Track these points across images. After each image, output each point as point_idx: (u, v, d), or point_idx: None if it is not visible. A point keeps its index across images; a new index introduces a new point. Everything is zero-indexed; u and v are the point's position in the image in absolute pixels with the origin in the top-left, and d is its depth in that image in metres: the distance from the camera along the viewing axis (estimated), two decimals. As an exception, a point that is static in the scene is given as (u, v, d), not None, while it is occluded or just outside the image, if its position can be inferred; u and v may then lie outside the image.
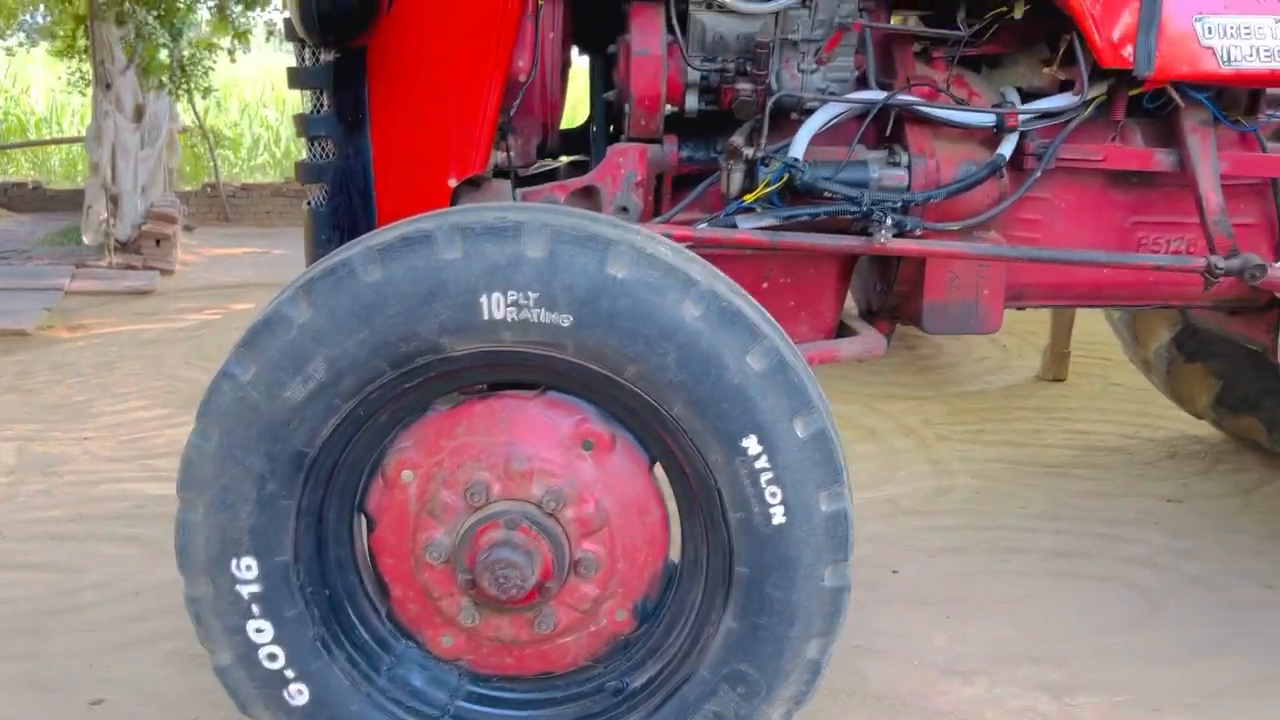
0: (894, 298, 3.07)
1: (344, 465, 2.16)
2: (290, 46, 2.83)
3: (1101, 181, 2.98)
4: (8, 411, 5.13)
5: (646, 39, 2.69)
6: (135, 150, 10.21)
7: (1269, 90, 2.95)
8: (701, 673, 2.15)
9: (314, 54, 2.67)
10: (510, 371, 2.14)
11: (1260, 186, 3.01)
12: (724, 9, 2.69)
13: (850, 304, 3.28)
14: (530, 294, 1.97)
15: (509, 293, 1.97)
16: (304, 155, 2.80)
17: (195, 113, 12.20)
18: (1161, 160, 2.88)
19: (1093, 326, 5.94)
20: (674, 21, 2.68)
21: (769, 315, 2.14)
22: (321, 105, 2.71)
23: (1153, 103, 2.88)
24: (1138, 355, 4.58)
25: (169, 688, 2.82)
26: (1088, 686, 2.88)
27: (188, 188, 12.64)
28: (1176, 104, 2.82)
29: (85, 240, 10.03)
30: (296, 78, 2.71)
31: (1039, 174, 2.80)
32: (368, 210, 2.70)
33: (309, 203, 2.78)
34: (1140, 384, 5.05)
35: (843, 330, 3.08)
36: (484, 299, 1.97)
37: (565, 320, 1.98)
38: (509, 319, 1.98)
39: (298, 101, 2.86)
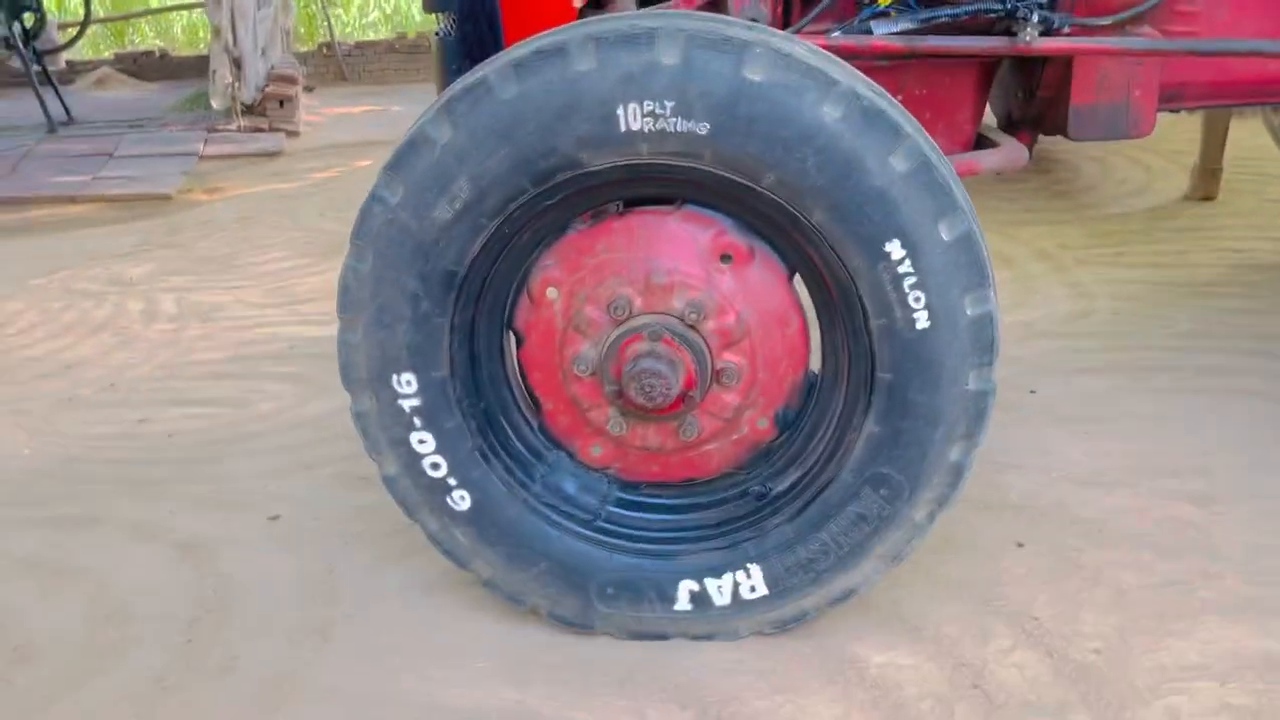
0: (1037, 105, 2.94)
1: (492, 283, 2.23)
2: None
3: (1268, -35, 2.76)
4: (165, 265, 5.41)
5: None
6: (253, 12, 10.32)
7: None
8: (844, 476, 2.19)
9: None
10: (649, 185, 2.15)
11: None
12: None
13: (989, 117, 3.17)
14: (666, 102, 1.96)
15: (645, 102, 1.96)
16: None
17: (305, -30, 12.21)
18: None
19: (1247, 140, 5.59)
20: None
21: (912, 116, 2.08)
22: (445, -68, 2.69)
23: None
24: (1298, 164, 4.30)
25: (336, 505, 3.02)
26: (1233, 496, 2.83)
27: (304, 48, 12.77)
28: None
29: (214, 104, 10.29)
30: (419, -96, 2.68)
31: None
32: (496, 36, 2.70)
33: (438, 31, 2.79)
34: (1299, 199, 4.77)
35: (981, 143, 2.98)
36: (620, 110, 1.97)
37: (702, 128, 1.97)
38: (646, 129, 1.98)
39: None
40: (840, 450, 2.21)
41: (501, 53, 2.11)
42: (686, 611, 2.29)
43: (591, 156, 2.02)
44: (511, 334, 2.33)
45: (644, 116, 1.98)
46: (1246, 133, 5.55)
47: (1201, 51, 2.65)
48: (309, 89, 11.37)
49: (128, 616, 2.56)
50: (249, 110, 9.88)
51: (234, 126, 9.57)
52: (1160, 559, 2.59)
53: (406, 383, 2.20)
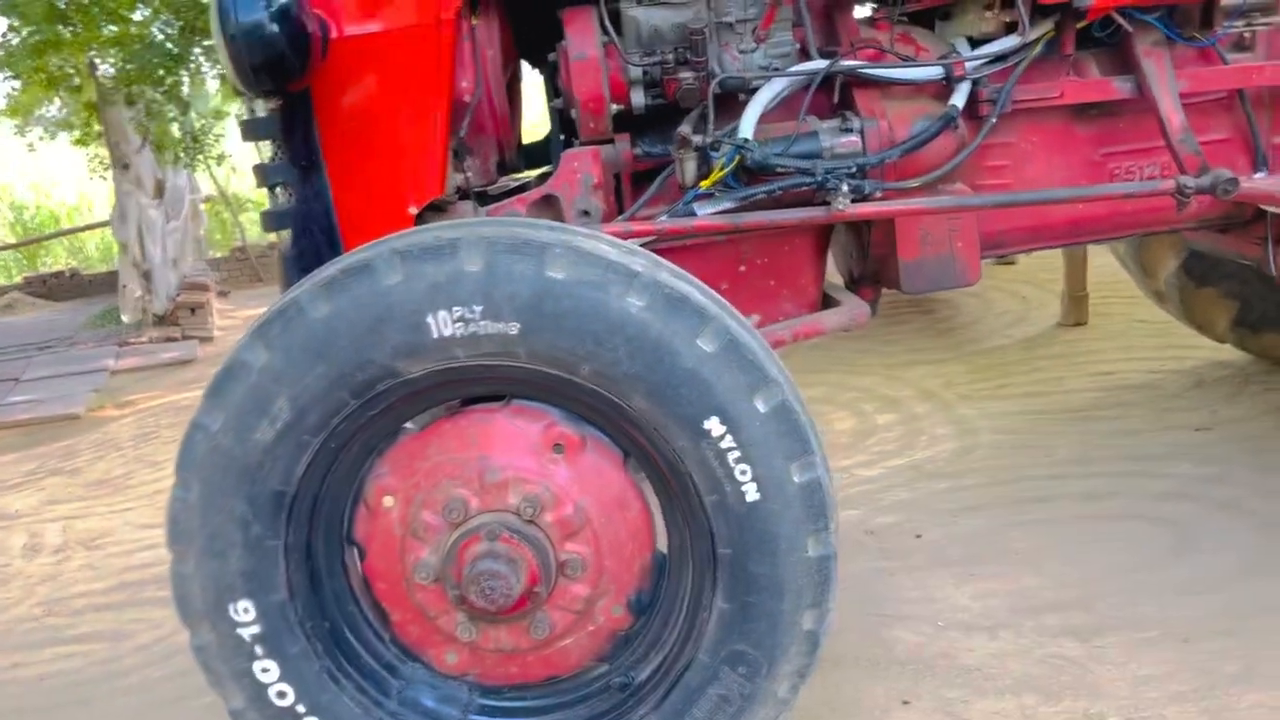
0: (871, 263, 3.05)
1: (326, 498, 2.20)
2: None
3: (1064, 118, 2.94)
4: (54, 493, 5.28)
5: (582, 43, 2.72)
6: (160, 225, 10.47)
7: (1222, 2, 2.90)
8: (701, 657, 2.15)
9: (260, 104, 2.74)
10: (472, 386, 2.17)
11: (1227, 100, 2.95)
12: (654, 1, 2.71)
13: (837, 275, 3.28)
14: (475, 307, 2.00)
15: (454, 309, 2.00)
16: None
17: (214, 180, 12.48)
18: (1119, 88, 2.84)
19: (1112, 265, 5.83)
20: (607, 21, 2.71)
21: (717, 296, 2.15)
22: (276, 153, 2.78)
23: (1103, 31, 2.85)
24: (1149, 287, 4.50)
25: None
26: (1115, 626, 2.84)
27: (218, 254, 12.93)
28: (1127, 29, 2.78)
29: (124, 319, 10.31)
30: (247, 130, 2.78)
31: (995, 120, 2.77)
32: (334, 250, 2.75)
33: (279, 249, 2.85)
34: (1163, 317, 4.96)
35: (828, 302, 3.07)
36: (431, 318, 2.01)
37: (513, 328, 2.01)
38: (458, 334, 2.01)
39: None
40: (694, 631, 2.18)
41: (312, 274, 2.15)
42: (560, 819, 2.20)
43: (408, 365, 2.05)
44: (353, 546, 2.29)
45: (455, 322, 2.01)
46: (1111, 258, 5.80)
47: (1003, 204, 2.79)
48: (223, 293, 11.46)
49: None
50: (161, 320, 9.91)
51: (145, 338, 9.57)
52: (1043, 702, 2.57)
53: (244, 610, 2.14)
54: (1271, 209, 2.92)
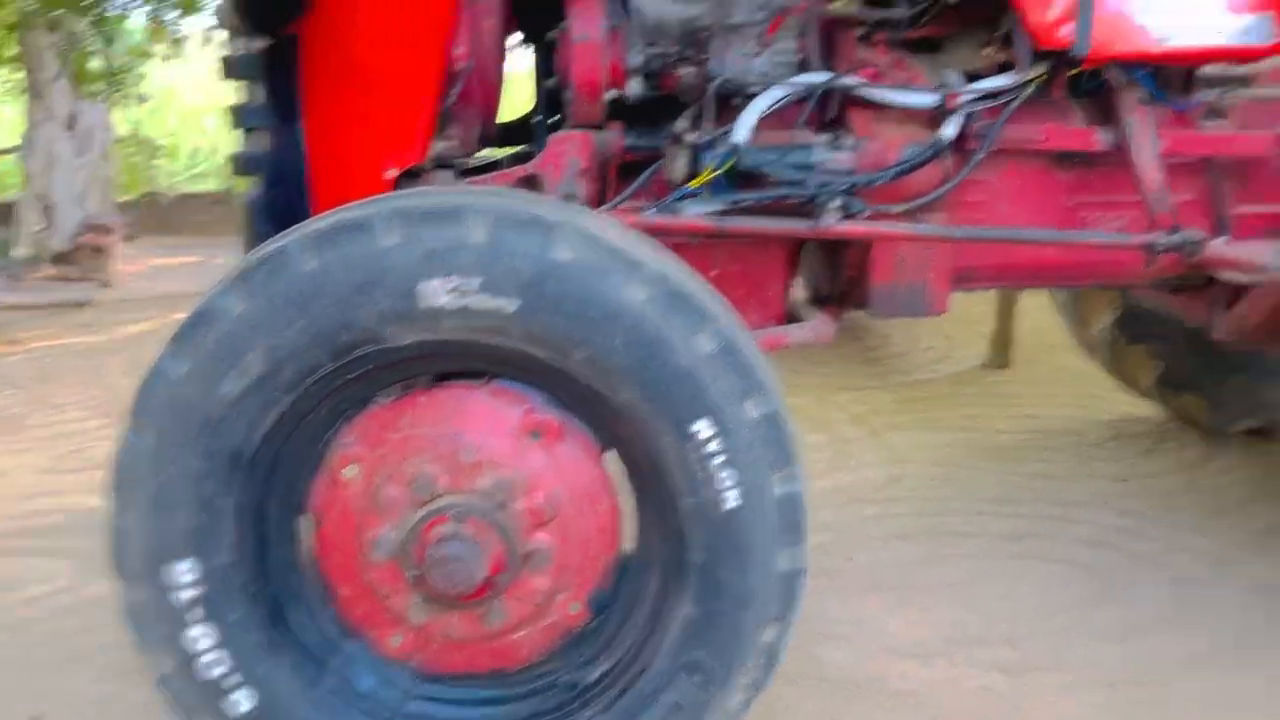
0: (841, 283, 3.06)
1: (285, 462, 2.10)
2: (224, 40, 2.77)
3: (1043, 162, 2.99)
4: (-64, 425, 4.97)
5: (587, 24, 2.66)
6: (70, 160, 10.00)
7: (1201, 70, 2.99)
8: (658, 663, 2.12)
9: (246, 42, 2.60)
10: (455, 361, 2.10)
11: (1196, 165, 3.04)
12: (665, -8, 2.67)
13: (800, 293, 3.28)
14: (473, 279, 1.93)
15: (450, 279, 1.93)
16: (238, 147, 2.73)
17: (130, 121, 11.97)
18: (1101, 139, 2.90)
19: (1037, 313, 6.00)
20: (615, 6, 2.66)
21: (720, 296, 2.12)
22: (254, 95, 2.64)
23: (1091, 82, 2.91)
24: (1082, 338, 4.63)
25: (109, 702, 2.73)
26: (1042, 666, 2.89)
27: (126, 198, 12.38)
28: (1114, 83, 2.85)
29: (15, 253, 9.79)
30: (229, 67, 2.64)
31: (983, 154, 2.81)
32: (305, 202, 2.64)
33: (246, 195, 2.71)
34: (1086, 367, 5.10)
35: (792, 318, 3.07)
36: (424, 286, 1.93)
37: (510, 306, 1.94)
38: (451, 306, 1.94)
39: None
40: (654, 635, 2.14)
41: (302, 224, 2.05)
42: (494, 815, 2.13)
43: (394, 332, 1.96)
44: (306, 515, 2.18)
45: (449, 293, 1.94)
46: (1038, 305, 5.96)
47: (986, 239, 2.82)
48: (129, 239, 10.98)
49: None
50: (61, 259, 9.44)
51: (40, 275, 9.11)
52: (973, 734, 2.59)
53: (187, 571, 2.02)
54: (1225, 275, 3.02)
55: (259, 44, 2.54)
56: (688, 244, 2.81)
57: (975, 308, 6.12)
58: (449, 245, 1.92)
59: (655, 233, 2.67)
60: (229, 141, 2.86)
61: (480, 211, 1.94)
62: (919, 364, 5.84)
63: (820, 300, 3.22)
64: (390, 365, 2.05)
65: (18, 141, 10.27)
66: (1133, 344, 4.41)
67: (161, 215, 12.02)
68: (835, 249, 3.01)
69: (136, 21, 11.18)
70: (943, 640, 3.03)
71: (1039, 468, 4.32)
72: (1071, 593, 3.31)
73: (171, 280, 9.06)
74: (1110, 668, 2.88)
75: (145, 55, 11.41)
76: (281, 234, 2.02)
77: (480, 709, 2.24)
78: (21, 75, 9.93)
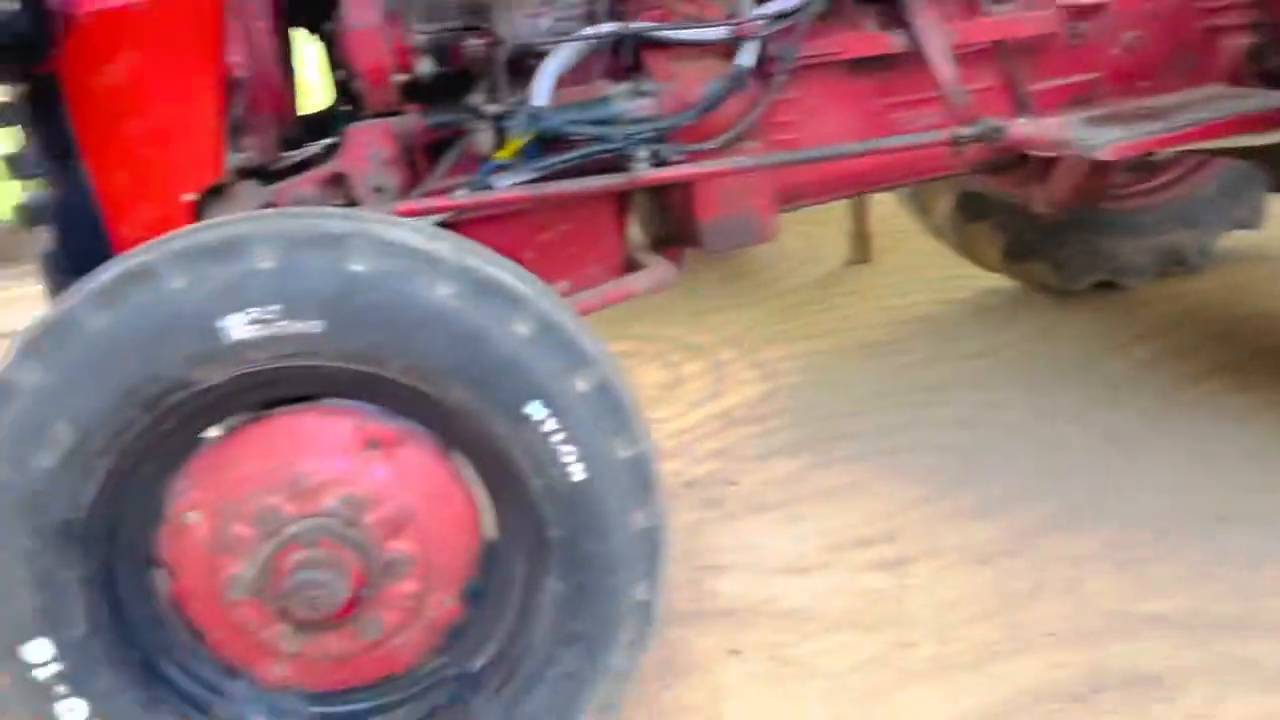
0: (672, 224, 3.08)
1: (123, 520, 2.05)
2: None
3: (845, 72, 3.03)
4: None
5: (361, 11, 2.59)
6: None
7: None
8: (537, 640, 2.15)
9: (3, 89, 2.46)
10: (275, 389, 2.06)
11: (989, 50, 3.11)
12: (433, -36, 2.60)
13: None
14: (272, 307, 1.89)
15: (249, 310, 1.89)
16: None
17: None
18: (895, 42, 2.95)
19: (889, 203, 6.12)
20: None
21: (529, 275, 2.11)
22: (27, 143, 2.51)
23: (881, -14, 2.94)
24: (928, 224, 4.75)
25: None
26: (919, 556, 3.02)
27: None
28: (900, -17, 2.89)
29: None
30: (-3, 117, 2.50)
31: (783, 76, 2.83)
32: (102, 243, 2.53)
33: (40, 250, 2.59)
34: (943, 250, 5.25)
35: (635, 265, 3.08)
36: (223, 323, 1.88)
37: (315, 327, 1.91)
38: (255, 337, 1.90)
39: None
40: (529, 614, 2.17)
41: (84, 279, 1.97)
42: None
43: (203, 373, 1.92)
44: (158, 569, 2.15)
45: (250, 324, 1.90)
46: (891, 197, 6.08)
47: (793, 161, 2.86)
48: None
49: None
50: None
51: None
52: (862, 637, 2.71)
53: (40, 650, 1.97)
54: (1032, 153, 3.13)
55: (16, 89, 2.41)
56: (514, 213, 2.79)
57: (834, 206, 6.23)
58: (239, 277, 1.88)
59: (472, 210, 2.67)
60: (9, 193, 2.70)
61: (263, 238, 1.89)
62: (786, 272, 5.92)
63: (659, 244, 3.24)
64: (208, 406, 2.00)
65: None
66: (974, 222, 4.55)
67: None
68: (659, 193, 3.01)
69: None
70: (827, 549, 3.14)
71: (906, 358, 4.45)
72: (944, 477, 3.45)
73: None
74: (982, 544, 3.03)
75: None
76: (65, 294, 1.95)
77: (378, 717, 2.25)
78: None
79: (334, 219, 1.99)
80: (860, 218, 5.69)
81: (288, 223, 1.94)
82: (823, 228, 6.30)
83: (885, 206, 5.85)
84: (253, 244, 1.89)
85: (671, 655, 2.71)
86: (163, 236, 1.97)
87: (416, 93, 2.71)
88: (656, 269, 2.99)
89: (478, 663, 2.24)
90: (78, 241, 2.51)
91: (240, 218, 2.03)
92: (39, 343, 1.88)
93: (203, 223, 2.14)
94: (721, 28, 2.78)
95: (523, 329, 1.99)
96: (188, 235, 1.95)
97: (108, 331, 1.87)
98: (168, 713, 2.11)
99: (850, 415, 4.03)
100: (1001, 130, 2.82)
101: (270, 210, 2.33)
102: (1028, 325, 4.56)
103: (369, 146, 2.64)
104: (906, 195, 4.74)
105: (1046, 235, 4.54)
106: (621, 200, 2.98)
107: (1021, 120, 3.03)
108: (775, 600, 2.92)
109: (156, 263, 1.88)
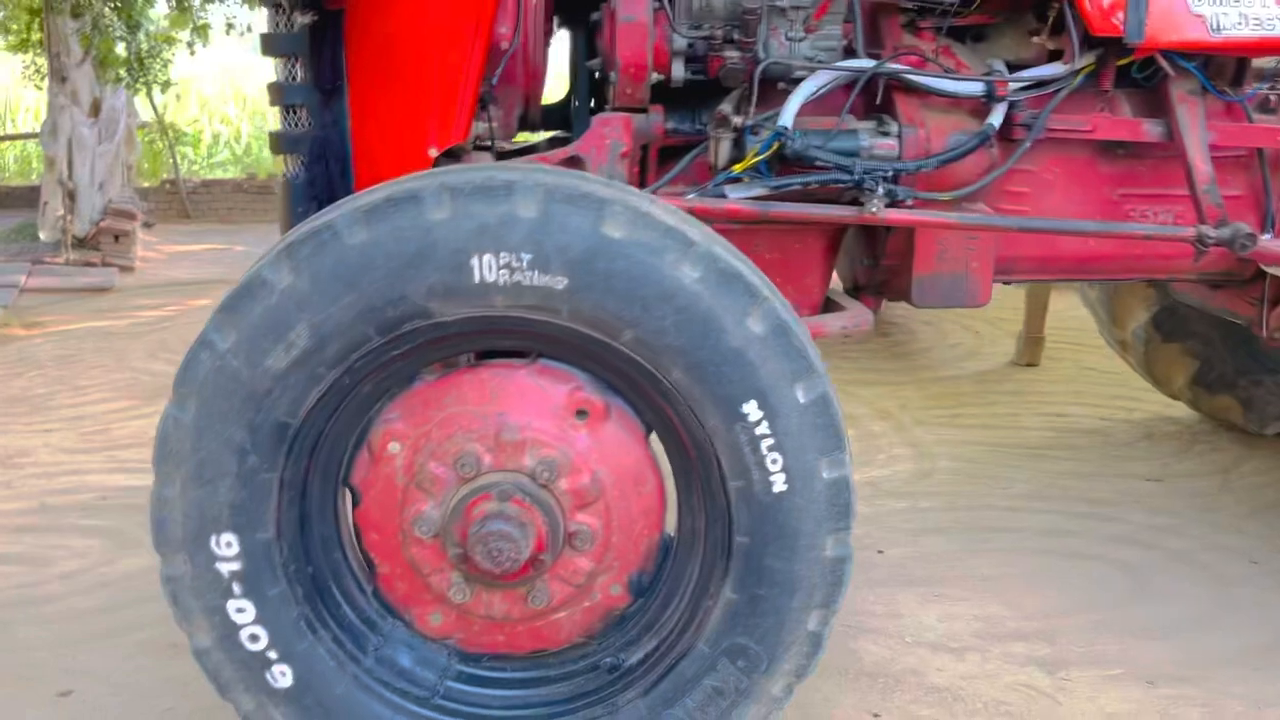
0: (881, 272, 3.03)
1: (328, 437, 2.08)
2: (253, 33, 2.74)
3: (1089, 153, 2.96)
4: (-37, 405, 4.98)
5: (633, 5, 2.63)
6: (92, 145, 10.00)
7: (1254, 61, 2.95)
8: (700, 647, 2.09)
9: (288, 19, 2.58)
10: (502, 338, 2.07)
11: (1246, 158, 3.00)
12: (712, -26, 2.64)
13: (836, 282, 3.25)
14: (523, 255, 1.90)
15: (501, 254, 1.90)
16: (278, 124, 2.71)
17: (154, 108, 11.97)
18: (1150, 130, 2.86)
19: (1065, 312, 5.96)
20: None
21: (767, 279, 2.09)
22: (296, 72, 2.62)
23: (1141, 72, 2.87)
24: (1114, 336, 4.58)
25: (140, 677, 2.72)
26: (1079, 661, 2.85)
27: (147, 184, 12.40)
28: (1165, 73, 2.81)
29: (41, 237, 9.80)
30: (270, 44, 2.62)
31: (1029, 144, 2.77)
32: (346, 180, 2.62)
33: (285, 173, 2.69)
34: (1114, 367, 5.07)
35: (829, 307, 3.03)
36: (474, 261, 1.90)
37: (560, 283, 1.92)
38: (501, 281, 1.91)
39: (258, 103, 2.75)
40: (696, 619, 2.11)
41: (349, 197, 2.02)
42: (532, 796, 2.10)
43: (442, 307, 1.93)
44: (348, 491, 2.16)
45: (499, 268, 1.91)
46: (1065, 304, 5.92)
47: (1034, 229, 2.78)
48: (149, 225, 10.99)
49: None
50: (81, 244, 9.45)
51: (62, 259, 9.12)
52: (1015, 728, 2.56)
53: (227, 545, 2.00)
54: (1275, 270, 2.98)
55: (304, 19, 2.52)
56: (726, 230, 2.78)
57: (1002, 306, 6.10)
58: (500, 220, 1.90)
59: (697, 217, 2.66)
60: (251, 128, 2.82)
61: (531, 187, 1.91)
62: (946, 360, 5.80)
63: (857, 290, 3.20)
64: (436, 341, 2.02)
65: (40, 127, 10.28)
66: (1168, 342, 4.37)
67: (181, 202, 12.02)
68: (876, 237, 2.97)
69: (160, 9, 11.19)
70: (978, 635, 2.99)
71: (1069, 466, 4.28)
72: (1106, 589, 3.28)
73: (191, 266, 9.08)
74: (1148, 664, 2.85)
75: (170, 41, 11.39)
76: (329, 208, 2.00)
77: (519, 690, 2.21)
78: (45, 60, 9.93)
79: (597, 183, 2.00)
80: (1035, 320, 5.55)
81: (555, 178, 1.96)
82: (991, 326, 6.19)
83: (1057, 317, 5.70)
84: (518, 191, 1.91)
85: (813, 706, 2.61)
86: (433, 170, 2.01)
87: (662, 95, 2.74)
88: (853, 312, 2.93)
89: (633, 657, 2.18)
90: (326, 173, 2.60)
91: (511, 165, 2.07)
92: (297, 248, 1.92)
93: (473, 164, 2.18)
94: (978, 83, 2.74)
95: (757, 326, 1.96)
96: (460, 172, 1.98)
97: (363, 248, 1.90)
98: (325, 635, 2.10)
99: (1007, 511, 3.87)
100: (1253, 238, 2.70)
101: (539, 165, 2.36)
102: (1204, 460, 4.34)
103: (610, 136, 2.67)
104: (1096, 302, 4.58)
105: (1241, 370, 4.34)
106: (833, 238, 2.95)
107: (1268, 236, 2.90)
108: (921, 674, 2.79)
109: (423, 191, 1.92)
